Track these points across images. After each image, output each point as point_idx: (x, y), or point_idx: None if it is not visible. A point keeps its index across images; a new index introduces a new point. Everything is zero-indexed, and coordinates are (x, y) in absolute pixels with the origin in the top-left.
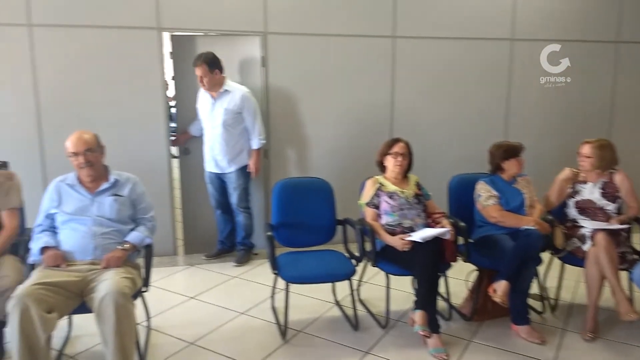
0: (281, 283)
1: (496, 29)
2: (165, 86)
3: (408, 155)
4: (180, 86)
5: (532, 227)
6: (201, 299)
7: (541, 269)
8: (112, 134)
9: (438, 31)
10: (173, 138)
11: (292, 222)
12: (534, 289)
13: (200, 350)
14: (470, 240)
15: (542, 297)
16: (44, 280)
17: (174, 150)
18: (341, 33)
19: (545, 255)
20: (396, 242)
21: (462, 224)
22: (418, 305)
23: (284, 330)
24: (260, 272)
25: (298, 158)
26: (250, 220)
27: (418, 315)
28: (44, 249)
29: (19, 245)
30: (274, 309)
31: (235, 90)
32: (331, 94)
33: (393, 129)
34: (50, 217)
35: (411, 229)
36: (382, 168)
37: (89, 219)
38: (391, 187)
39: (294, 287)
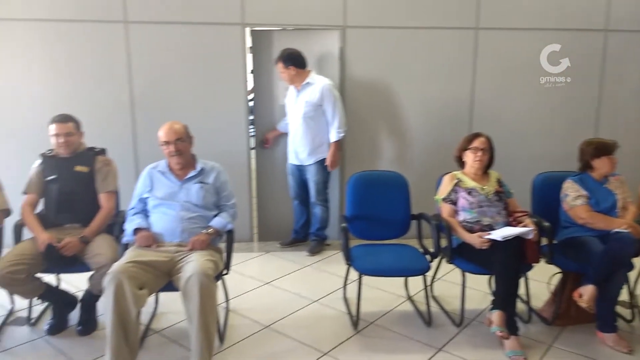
0: (353, 274)
1: (589, 19)
2: (247, 80)
3: (489, 151)
4: (259, 80)
5: (625, 230)
6: (276, 285)
7: (632, 275)
8: (198, 125)
9: (524, 22)
10: (253, 135)
11: (366, 215)
12: (623, 295)
13: (275, 334)
14: (555, 242)
15: (631, 305)
16: (136, 259)
17: (252, 141)
18: (422, 25)
19: (638, 261)
20: (474, 239)
21: (546, 223)
22: (496, 305)
23: (355, 320)
24: (332, 263)
25: (374, 151)
26: (327, 214)
27: (496, 316)
28: (136, 230)
29: (113, 226)
30: (345, 299)
31: (317, 83)
32: (409, 87)
33: (472, 123)
34: (143, 201)
35: (490, 227)
36: (461, 163)
37: (177, 204)
38: (470, 183)
39: (366, 279)
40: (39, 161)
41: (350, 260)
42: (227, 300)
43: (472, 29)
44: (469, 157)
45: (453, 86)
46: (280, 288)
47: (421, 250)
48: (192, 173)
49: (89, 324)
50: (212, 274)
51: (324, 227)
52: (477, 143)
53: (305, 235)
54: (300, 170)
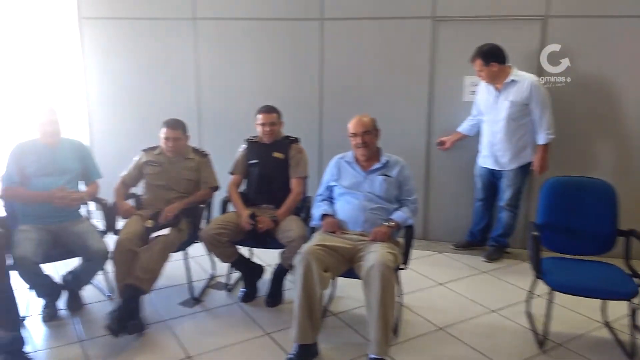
0: (540, 288)
1: None
2: (432, 76)
3: None
4: (437, 74)
5: None
6: (449, 287)
7: None
8: (381, 118)
9: None
10: (441, 140)
11: (561, 225)
12: None
13: (450, 338)
14: None
15: None
16: (323, 242)
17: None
18: None
19: None
20: None
21: None
22: None
23: (541, 339)
24: (513, 273)
25: (576, 154)
26: (514, 221)
27: None
28: (323, 216)
29: (301, 209)
30: (529, 314)
31: (523, 80)
32: (624, 84)
33: None
34: (330, 188)
35: None
36: None
37: (361, 194)
38: None
39: (555, 297)
40: (244, 146)
41: (540, 272)
42: (400, 294)
43: None
44: None
45: None
46: (454, 291)
47: (628, 271)
48: (376, 165)
49: (276, 297)
50: (392, 266)
51: (507, 234)
52: None
53: (483, 240)
54: (494, 174)
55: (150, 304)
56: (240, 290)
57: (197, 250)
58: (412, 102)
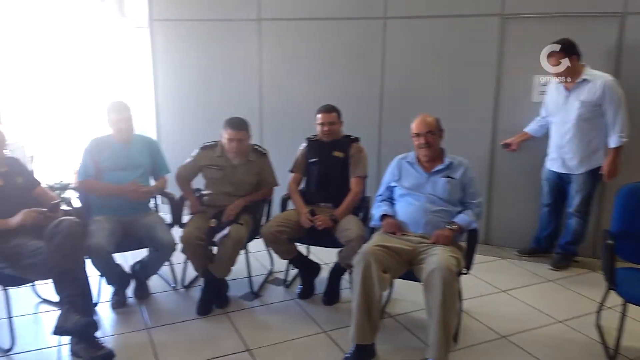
0: (612, 300)
1: None
2: (498, 76)
3: None
4: (506, 73)
5: None
6: (513, 294)
7: None
8: (445, 118)
9: None
10: (506, 142)
11: (638, 234)
12: None
13: (513, 347)
14: None
15: None
16: (382, 243)
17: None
18: None
19: None
20: None
21: None
22: None
23: (612, 354)
24: (581, 282)
25: None
26: (583, 227)
27: None
28: (383, 217)
29: (359, 209)
30: (599, 327)
31: (596, 79)
32: None
33: None
34: (390, 189)
35: None
36: None
37: (423, 196)
38: None
39: (629, 309)
40: (304, 144)
41: (614, 283)
42: (460, 300)
43: None
44: None
45: None
46: (517, 299)
47: None
48: (439, 166)
49: (332, 295)
50: (455, 270)
51: (576, 241)
52: None
53: (549, 247)
54: (562, 178)
55: None
56: (297, 286)
57: (257, 246)
58: (477, 102)
